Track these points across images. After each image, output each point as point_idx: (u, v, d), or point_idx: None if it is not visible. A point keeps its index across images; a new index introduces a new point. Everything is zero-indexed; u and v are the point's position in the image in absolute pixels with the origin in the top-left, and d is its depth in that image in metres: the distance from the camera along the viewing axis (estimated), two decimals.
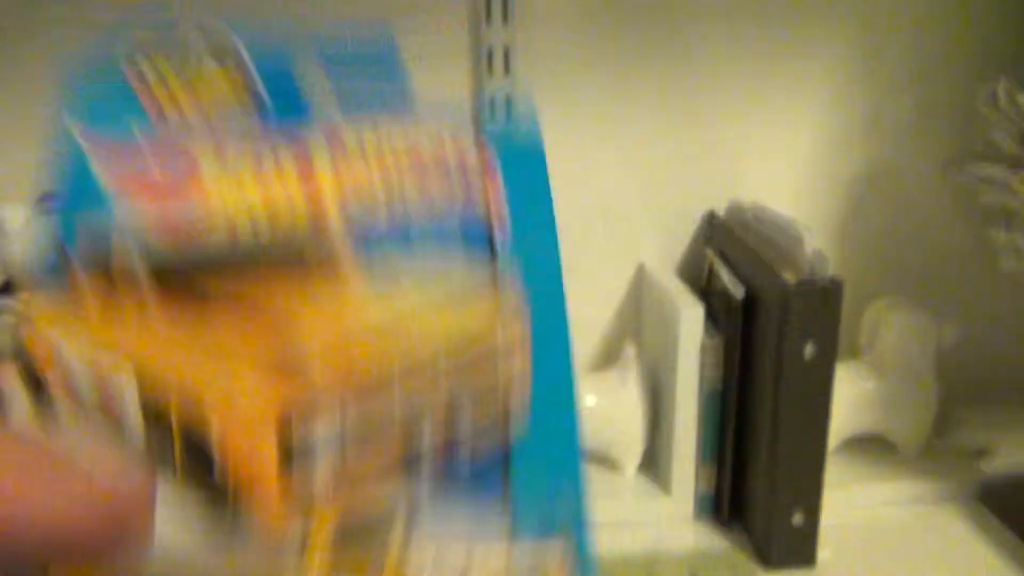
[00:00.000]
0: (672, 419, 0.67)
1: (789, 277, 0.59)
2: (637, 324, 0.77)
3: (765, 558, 0.63)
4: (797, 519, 0.62)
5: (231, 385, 0.23)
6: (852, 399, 0.71)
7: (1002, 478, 0.78)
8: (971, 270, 0.77)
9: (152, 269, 0.24)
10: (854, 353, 0.73)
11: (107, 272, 0.25)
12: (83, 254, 0.25)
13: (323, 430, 0.23)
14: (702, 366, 0.65)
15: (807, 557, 0.63)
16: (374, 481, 0.24)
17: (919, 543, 0.66)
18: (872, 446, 0.74)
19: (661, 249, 0.75)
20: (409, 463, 0.25)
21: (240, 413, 0.22)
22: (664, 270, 0.73)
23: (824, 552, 0.63)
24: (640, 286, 0.76)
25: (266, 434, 0.22)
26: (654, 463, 0.72)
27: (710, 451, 0.67)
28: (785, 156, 0.74)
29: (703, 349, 0.64)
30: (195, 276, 0.25)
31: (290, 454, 0.22)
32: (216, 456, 0.22)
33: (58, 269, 0.25)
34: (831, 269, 0.59)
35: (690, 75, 0.72)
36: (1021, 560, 0.63)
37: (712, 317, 0.66)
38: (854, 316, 0.73)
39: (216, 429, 0.22)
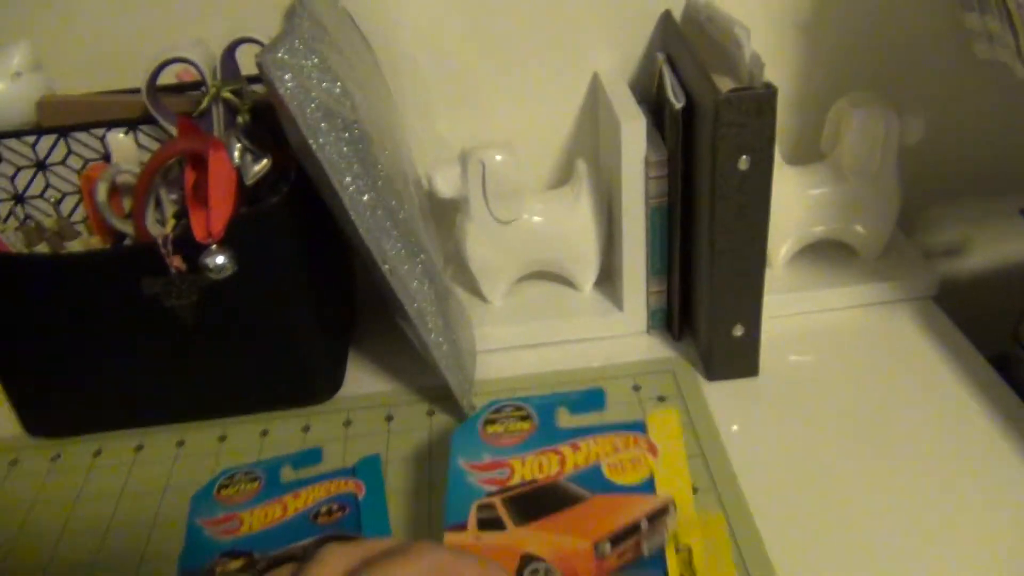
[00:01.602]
0: (620, 235, 0.66)
1: (725, 84, 0.56)
2: (594, 138, 0.75)
3: (709, 369, 0.64)
4: (738, 330, 0.62)
5: None
6: (811, 203, 0.69)
7: (963, 276, 0.77)
8: (941, 58, 0.73)
9: None
10: (822, 156, 0.71)
11: None
12: None
13: None
14: (647, 180, 0.63)
15: (749, 368, 0.63)
16: None
17: (866, 345, 0.66)
18: (833, 250, 0.73)
19: (616, 57, 0.72)
20: None
21: None
22: (615, 80, 0.70)
23: None
24: (596, 97, 0.73)
25: None
26: (610, 280, 0.72)
27: (659, 266, 0.67)
28: None
29: (648, 163, 0.63)
30: None
31: None
32: None
33: None
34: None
35: None
36: (967, 360, 0.63)
37: (660, 129, 0.64)
38: (821, 115, 0.70)
39: None
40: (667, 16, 0.70)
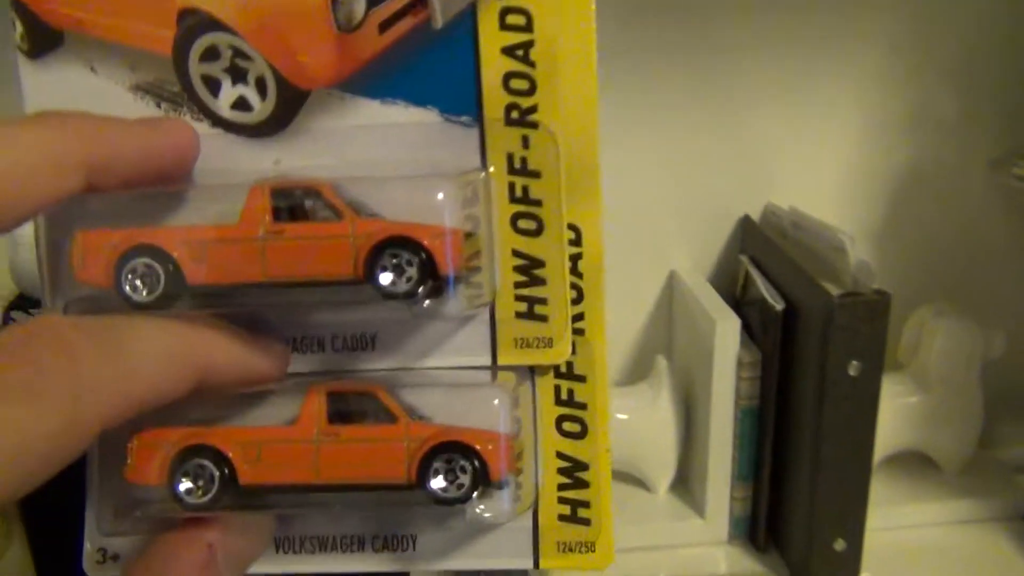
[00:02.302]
0: (706, 437, 0.63)
1: (832, 289, 0.56)
2: (668, 335, 0.74)
3: None
4: (839, 544, 0.58)
5: None
6: (893, 414, 0.67)
7: None
8: (1020, 275, 0.74)
9: None
10: (894, 365, 0.70)
11: None
12: None
13: None
14: (738, 381, 0.62)
15: None
16: None
17: (963, 566, 0.63)
18: (912, 463, 0.71)
19: (693, 256, 0.72)
20: None
21: None
22: (696, 278, 0.70)
23: None
24: (671, 295, 0.73)
25: None
26: (687, 483, 0.69)
27: (746, 471, 0.64)
28: (824, 157, 0.71)
29: (740, 363, 0.61)
30: None
31: None
32: None
33: None
34: (875, 280, 0.56)
35: (725, 71, 0.68)
36: None
37: (748, 329, 0.63)
38: (895, 325, 0.69)
39: None
40: (747, 220, 0.71)
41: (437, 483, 0.29)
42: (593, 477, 0.33)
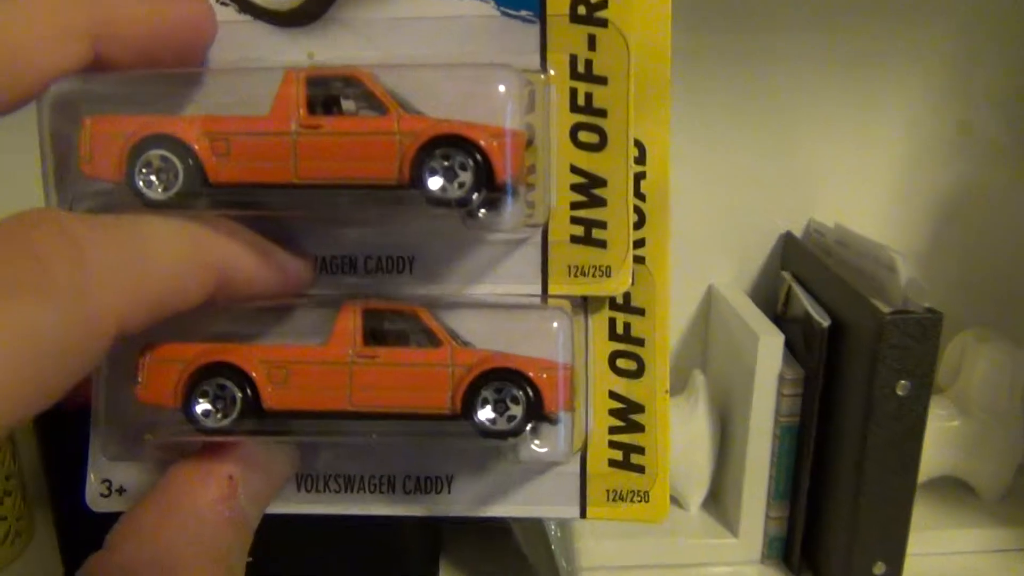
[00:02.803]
0: (743, 454, 0.62)
1: (882, 306, 0.55)
2: (704, 349, 0.73)
3: None
4: (879, 568, 0.57)
5: None
6: (932, 438, 0.66)
7: None
8: None
9: None
10: (934, 389, 0.68)
11: None
12: None
13: None
14: (779, 398, 0.61)
15: None
16: None
17: None
18: (950, 489, 0.69)
19: (733, 270, 0.71)
20: None
21: None
22: (736, 293, 0.69)
23: None
24: (709, 308, 0.72)
25: None
26: (720, 500, 0.68)
27: (783, 489, 0.63)
28: (868, 175, 0.70)
29: (782, 380, 0.60)
30: None
31: None
32: None
33: None
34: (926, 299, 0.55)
35: (768, 86, 0.68)
36: None
37: (788, 345, 0.62)
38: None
39: None
40: (789, 236, 0.70)
41: (485, 414, 0.26)
42: (649, 420, 0.29)
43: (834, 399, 0.59)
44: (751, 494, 0.63)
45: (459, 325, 0.27)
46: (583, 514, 0.29)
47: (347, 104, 0.26)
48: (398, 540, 0.58)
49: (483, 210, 0.25)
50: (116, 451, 0.28)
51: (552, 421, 0.27)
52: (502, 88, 0.25)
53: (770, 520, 0.64)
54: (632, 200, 0.28)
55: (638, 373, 0.29)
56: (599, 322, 0.29)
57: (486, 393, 0.26)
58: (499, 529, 0.61)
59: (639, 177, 0.28)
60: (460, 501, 0.29)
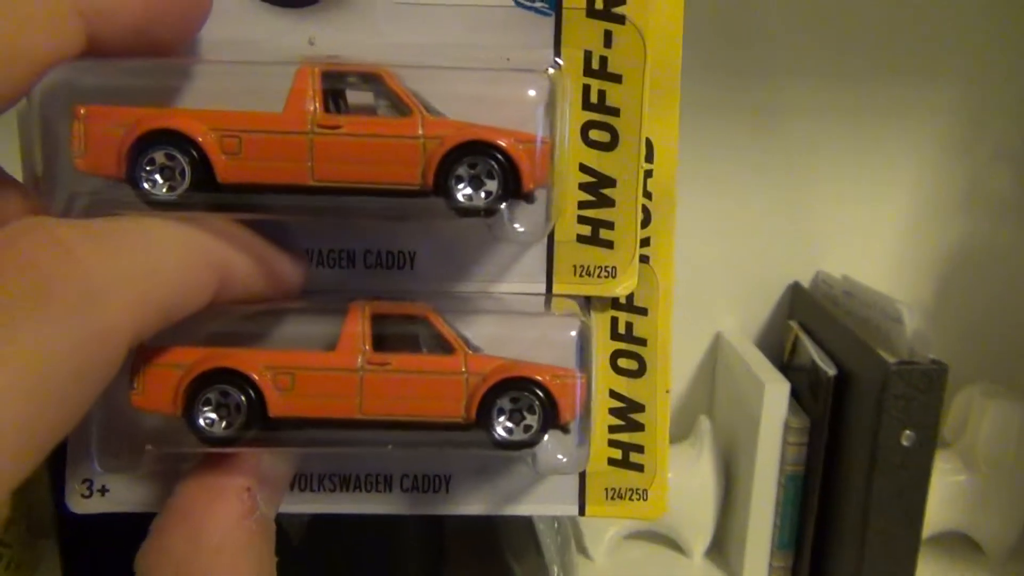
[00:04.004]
0: (748, 502, 0.62)
1: (887, 356, 0.55)
2: (709, 396, 0.73)
3: None
4: None
5: None
6: (937, 493, 0.66)
7: None
8: None
9: None
10: (940, 443, 0.68)
11: None
12: None
13: None
14: (784, 446, 0.61)
15: None
16: None
17: None
18: (955, 545, 0.69)
19: (739, 319, 0.72)
20: None
21: None
22: (743, 341, 0.69)
23: None
24: (716, 356, 0.72)
25: None
26: (723, 548, 0.67)
27: (787, 539, 0.62)
28: (876, 227, 0.71)
29: (787, 428, 0.60)
30: None
31: None
32: None
33: None
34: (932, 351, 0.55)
35: (778, 137, 0.69)
36: None
37: (795, 394, 0.62)
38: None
39: None
40: (796, 286, 0.70)
41: (502, 424, 0.25)
42: (649, 420, 0.29)
43: (840, 449, 0.59)
44: (755, 543, 0.63)
45: (468, 328, 0.26)
46: (582, 512, 0.29)
47: (363, 99, 0.25)
48: (400, 562, 0.58)
49: (509, 219, 0.25)
50: (111, 462, 0.27)
51: (565, 430, 0.26)
52: (532, 92, 0.25)
53: (774, 570, 0.63)
54: (641, 200, 0.27)
55: (639, 372, 0.29)
56: (601, 321, 0.29)
57: (502, 403, 0.25)
58: (501, 568, 0.60)
59: (646, 175, 0.28)
60: (458, 500, 0.29)
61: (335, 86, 0.24)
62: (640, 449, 0.29)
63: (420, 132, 0.24)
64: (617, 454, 0.29)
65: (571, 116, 0.26)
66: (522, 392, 0.25)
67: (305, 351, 0.25)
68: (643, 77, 0.26)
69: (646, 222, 0.28)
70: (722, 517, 0.66)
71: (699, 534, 0.66)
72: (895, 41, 0.67)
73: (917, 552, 0.56)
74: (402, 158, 0.24)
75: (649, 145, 0.27)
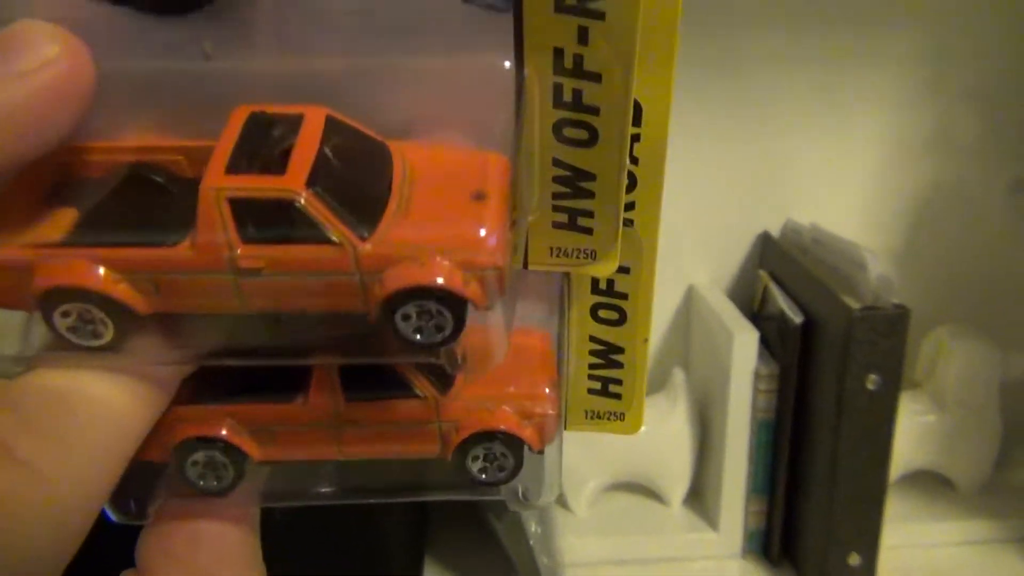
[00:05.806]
0: (722, 449, 0.63)
1: (852, 303, 0.56)
2: (685, 348, 0.74)
3: None
4: (854, 559, 0.58)
5: None
6: (909, 433, 0.67)
7: None
8: None
9: None
10: (911, 384, 0.70)
11: None
12: None
13: None
14: (755, 394, 0.62)
15: None
16: None
17: None
18: (928, 482, 0.70)
19: (711, 270, 0.72)
20: None
21: None
22: (714, 292, 0.70)
23: None
24: (689, 308, 0.73)
25: None
26: (701, 496, 0.69)
27: (761, 484, 0.64)
28: (844, 176, 0.71)
29: (757, 376, 0.61)
30: None
31: None
32: None
33: None
34: (895, 295, 0.56)
35: (744, 87, 0.69)
36: None
37: (765, 342, 0.63)
38: (913, 345, 0.69)
39: None
40: (766, 236, 0.71)
41: (476, 466, 0.26)
42: (628, 360, 0.29)
43: (808, 394, 0.60)
44: (730, 489, 0.64)
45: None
46: (564, 427, 0.29)
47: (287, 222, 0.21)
48: (383, 539, 0.59)
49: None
50: (123, 518, 0.27)
51: (541, 452, 0.26)
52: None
53: (750, 514, 0.65)
54: (625, 183, 0.25)
55: (620, 322, 0.28)
56: (583, 277, 0.28)
57: (475, 452, 0.26)
58: (483, 527, 0.62)
59: (633, 139, 0.25)
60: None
61: (249, 214, 0.21)
62: (619, 382, 0.29)
63: (353, 266, 0.21)
64: (597, 385, 0.29)
65: (539, 116, 0.24)
66: (493, 442, 0.25)
67: (279, 404, 0.25)
68: (629, 77, 0.23)
69: (632, 187, 0.26)
70: (698, 465, 0.67)
71: (677, 483, 0.68)
72: None
73: (885, 491, 0.58)
74: (340, 295, 0.22)
75: (638, 109, 0.25)
